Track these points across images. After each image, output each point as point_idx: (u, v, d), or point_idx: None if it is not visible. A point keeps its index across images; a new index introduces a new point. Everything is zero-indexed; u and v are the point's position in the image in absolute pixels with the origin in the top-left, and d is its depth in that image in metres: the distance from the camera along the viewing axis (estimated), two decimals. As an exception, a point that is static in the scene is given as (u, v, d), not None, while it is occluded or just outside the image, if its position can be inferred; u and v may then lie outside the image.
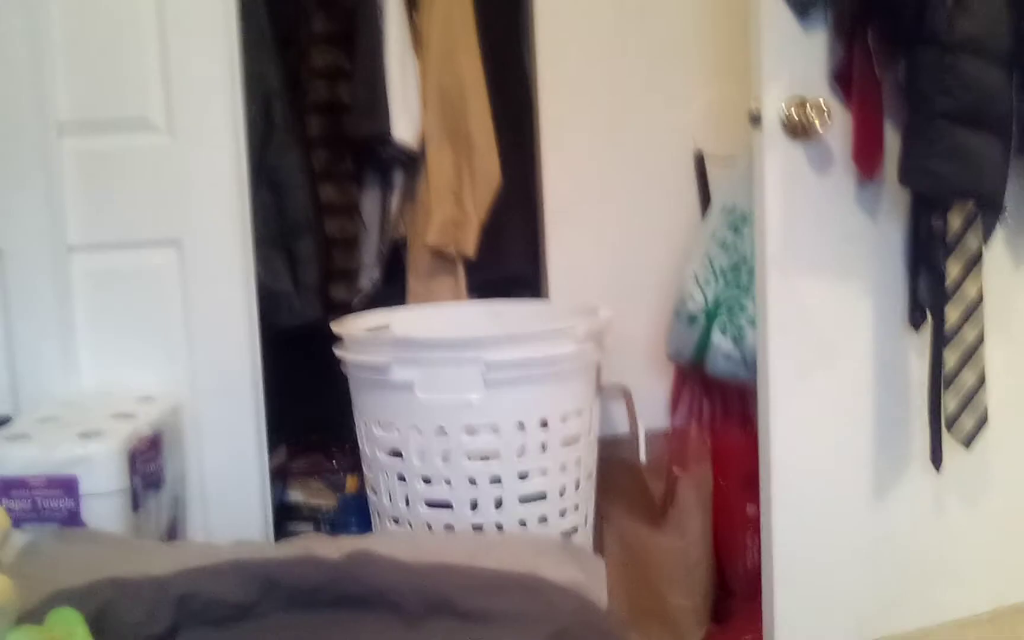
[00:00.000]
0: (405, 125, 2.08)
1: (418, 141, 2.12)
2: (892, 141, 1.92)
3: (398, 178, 2.18)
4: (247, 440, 1.91)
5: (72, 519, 1.53)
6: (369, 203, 2.19)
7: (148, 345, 1.88)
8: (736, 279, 2.02)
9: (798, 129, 1.87)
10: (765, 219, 1.89)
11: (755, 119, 1.86)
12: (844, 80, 1.88)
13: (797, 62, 1.86)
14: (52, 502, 1.53)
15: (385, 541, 1.35)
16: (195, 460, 1.90)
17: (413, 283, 2.20)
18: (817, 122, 1.83)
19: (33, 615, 1.01)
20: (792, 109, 1.85)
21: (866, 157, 1.89)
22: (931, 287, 1.94)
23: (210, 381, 1.89)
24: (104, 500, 1.55)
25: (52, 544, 1.39)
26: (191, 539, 1.88)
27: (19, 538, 1.40)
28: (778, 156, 1.88)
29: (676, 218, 2.23)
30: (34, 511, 1.53)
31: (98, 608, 1.04)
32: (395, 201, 2.19)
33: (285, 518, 2.22)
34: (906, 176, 1.82)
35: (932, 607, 2.11)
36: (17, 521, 1.50)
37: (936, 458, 1.97)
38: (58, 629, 0.94)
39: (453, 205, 2.12)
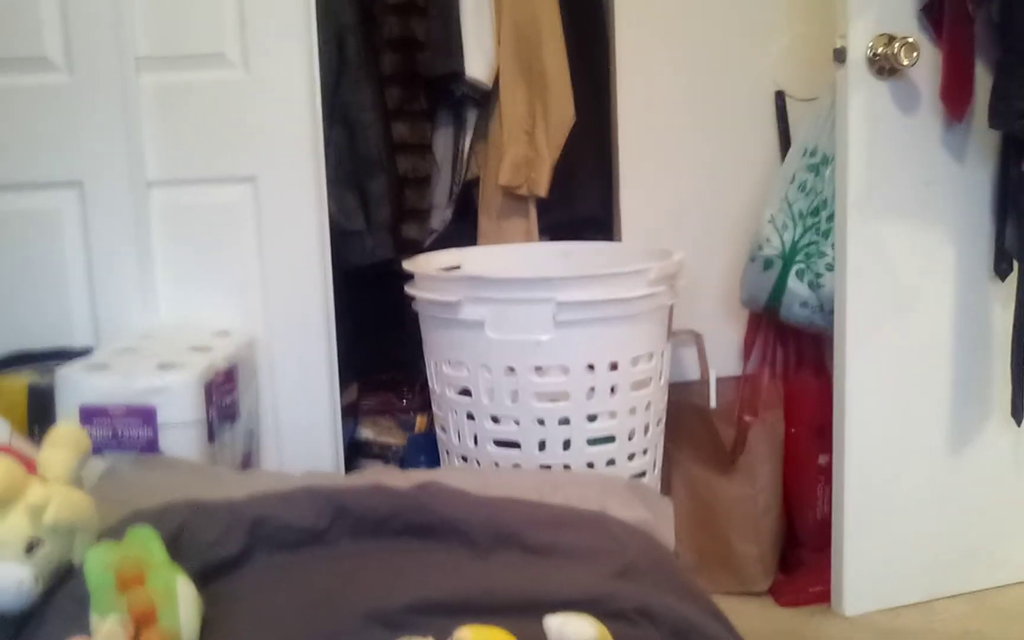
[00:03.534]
0: (479, 62, 2.06)
1: (491, 79, 2.10)
2: (982, 81, 1.85)
3: (471, 116, 2.17)
4: (319, 376, 1.93)
5: (150, 448, 1.56)
6: (441, 142, 2.18)
7: (224, 280, 1.90)
8: (815, 223, 1.97)
9: (884, 67, 1.81)
10: (847, 160, 1.85)
11: (840, 56, 1.81)
12: (933, 16, 1.81)
13: (885, -3, 1.81)
14: (131, 431, 1.56)
15: (454, 475, 1.35)
16: (269, 395, 1.92)
17: (484, 223, 2.19)
18: (905, 60, 1.77)
19: (112, 533, 1.04)
20: (879, 46, 1.79)
21: (954, 97, 1.83)
22: (1019, 235, 1.88)
23: (284, 317, 1.90)
24: (181, 430, 1.58)
25: (130, 469, 1.43)
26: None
27: (99, 464, 1.44)
28: (862, 95, 1.83)
29: (754, 160, 2.18)
30: (114, 439, 1.56)
31: (174, 528, 1.06)
32: (467, 140, 2.17)
33: (355, 455, 2.25)
34: (996, 118, 1.76)
35: (1006, 566, 2.07)
36: (97, 448, 1.53)
37: (1017, 412, 1.93)
38: (135, 546, 0.96)
39: (526, 144, 2.11)
